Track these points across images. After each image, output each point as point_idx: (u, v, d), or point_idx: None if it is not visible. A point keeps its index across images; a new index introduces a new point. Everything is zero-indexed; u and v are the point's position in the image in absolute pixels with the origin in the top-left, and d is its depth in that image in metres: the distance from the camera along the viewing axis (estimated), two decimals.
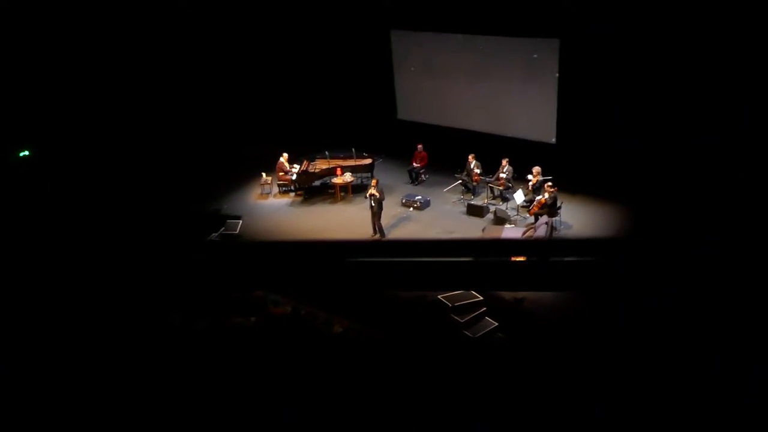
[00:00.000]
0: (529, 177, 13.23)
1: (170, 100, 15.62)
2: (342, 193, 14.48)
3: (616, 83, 13.05)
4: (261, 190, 14.84)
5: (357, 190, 14.81)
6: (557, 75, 13.61)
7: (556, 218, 12.25)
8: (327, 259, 1.91)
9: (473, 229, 12.54)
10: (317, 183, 14.86)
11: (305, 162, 14.90)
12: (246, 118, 17.08)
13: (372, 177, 14.68)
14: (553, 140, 14.29)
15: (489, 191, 13.77)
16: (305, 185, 14.60)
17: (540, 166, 13.16)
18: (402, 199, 13.57)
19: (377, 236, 12.11)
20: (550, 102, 14.02)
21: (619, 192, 13.11)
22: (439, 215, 13.28)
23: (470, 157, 14.03)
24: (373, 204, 12.18)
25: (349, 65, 17.03)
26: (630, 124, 13.15)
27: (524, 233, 11.50)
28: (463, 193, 14.06)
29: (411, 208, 13.49)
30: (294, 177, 14.54)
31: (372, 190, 12.15)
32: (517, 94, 14.61)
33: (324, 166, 14.72)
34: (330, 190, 14.70)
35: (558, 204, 12.36)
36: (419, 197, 13.55)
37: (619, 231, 11.74)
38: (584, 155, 13.95)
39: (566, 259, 2.00)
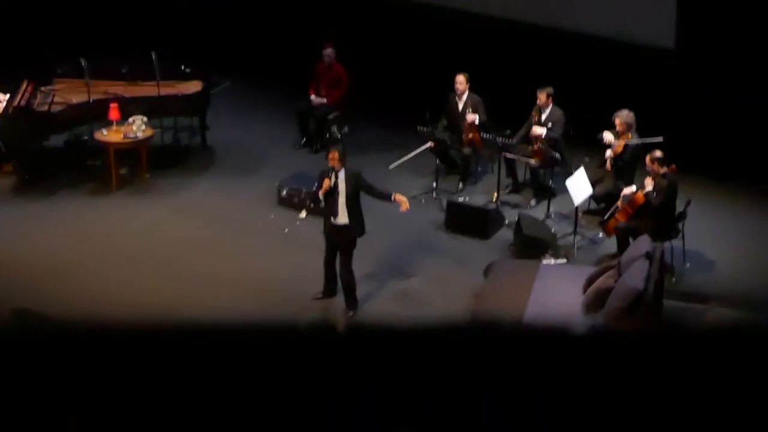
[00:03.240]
0: (606, 137, 12.76)
1: None
2: (124, 170, 13.87)
3: None
4: None
5: (162, 159, 14.34)
6: None
7: (674, 241, 11.95)
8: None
9: (456, 268, 12.17)
10: (55, 141, 14.41)
11: (25, 84, 14.21)
12: None
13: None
14: (671, 44, 14.32)
15: (505, 171, 13.49)
16: (24, 147, 14.00)
17: (632, 111, 12.68)
18: (282, 187, 13.28)
19: (322, 297, 11.97)
20: None
21: None
22: (378, 229, 12.44)
23: (459, 81, 13.56)
24: (339, 222, 11.62)
25: None
26: None
27: (591, 282, 10.89)
28: (441, 173, 13.83)
29: (304, 213, 13.29)
30: None
31: (333, 178, 11.53)
32: None
33: (76, 97, 14.07)
34: (93, 162, 14.14)
35: (681, 207, 11.90)
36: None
37: None
38: (739, 78, 13.78)
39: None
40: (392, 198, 11.61)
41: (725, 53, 14.07)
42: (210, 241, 12.57)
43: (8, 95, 13.86)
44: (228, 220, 12.97)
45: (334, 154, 11.28)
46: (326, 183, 11.20)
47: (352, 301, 11.64)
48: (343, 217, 11.27)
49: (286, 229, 12.70)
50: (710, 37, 14.11)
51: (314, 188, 11.75)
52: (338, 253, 11.54)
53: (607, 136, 12.58)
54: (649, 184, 11.57)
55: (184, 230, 12.86)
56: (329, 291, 11.78)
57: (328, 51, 14.52)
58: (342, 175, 11.21)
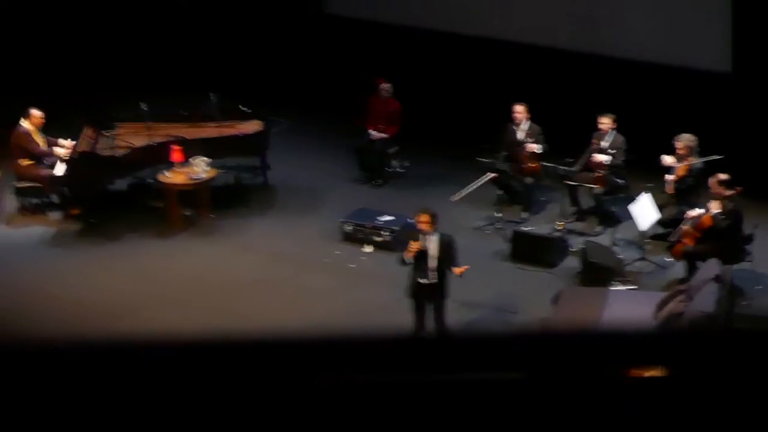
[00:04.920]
0: (666, 160, 12.77)
1: None
2: (187, 211, 13.92)
3: None
4: None
5: (225, 200, 14.43)
6: None
7: (745, 264, 11.88)
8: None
9: (523, 298, 12.21)
10: (120, 184, 14.54)
11: (88, 131, 14.29)
12: None
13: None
14: (728, 68, 14.29)
15: (568, 199, 13.52)
16: (88, 191, 14.06)
17: (695, 135, 12.69)
18: (346, 224, 13.19)
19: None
20: None
21: None
22: None
23: (518, 111, 13.66)
24: (428, 282, 11.22)
25: None
26: None
27: (661, 307, 10.86)
28: (501, 203, 13.80)
29: (370, 248, 13.17)
30: (61, 170, 13.90)
31: (424, 242, 11.06)
32: None
33: (139, 140, 14.20)
34: (157, 204, 14.22)
35: (748, 230, 11.90)
36: (388, 218, 13.12)
37: None
38: None
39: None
40: (452, 270, 11.50)
41: None
42: (275, 280, 12.59)
43: (70, 141, 14.06)
44: (293, 258, 12.99)
45: (425, 218, 10.91)
46: (415, 246, 10.83)
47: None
48: (433, 279, 11.05)
49: (353, 265, 12.68)
50: (766, 59, 14.21)
51: (399, 251, 11.41)
52: (428, 310, 11.27)
53: (667, 160, 12.61)
54: (715, 207, 11.49)
55: (249, 269, 12.91)
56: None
57: (386, 86, 14.54)
58: (435, 238, 10.93)
